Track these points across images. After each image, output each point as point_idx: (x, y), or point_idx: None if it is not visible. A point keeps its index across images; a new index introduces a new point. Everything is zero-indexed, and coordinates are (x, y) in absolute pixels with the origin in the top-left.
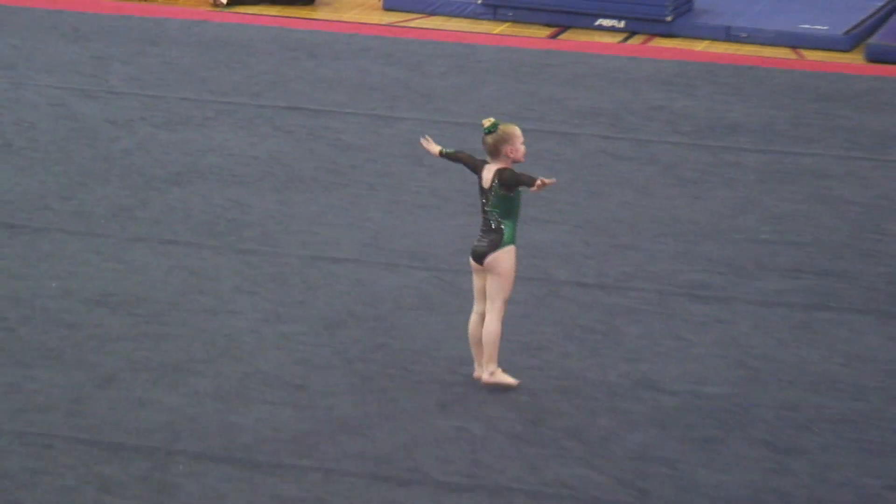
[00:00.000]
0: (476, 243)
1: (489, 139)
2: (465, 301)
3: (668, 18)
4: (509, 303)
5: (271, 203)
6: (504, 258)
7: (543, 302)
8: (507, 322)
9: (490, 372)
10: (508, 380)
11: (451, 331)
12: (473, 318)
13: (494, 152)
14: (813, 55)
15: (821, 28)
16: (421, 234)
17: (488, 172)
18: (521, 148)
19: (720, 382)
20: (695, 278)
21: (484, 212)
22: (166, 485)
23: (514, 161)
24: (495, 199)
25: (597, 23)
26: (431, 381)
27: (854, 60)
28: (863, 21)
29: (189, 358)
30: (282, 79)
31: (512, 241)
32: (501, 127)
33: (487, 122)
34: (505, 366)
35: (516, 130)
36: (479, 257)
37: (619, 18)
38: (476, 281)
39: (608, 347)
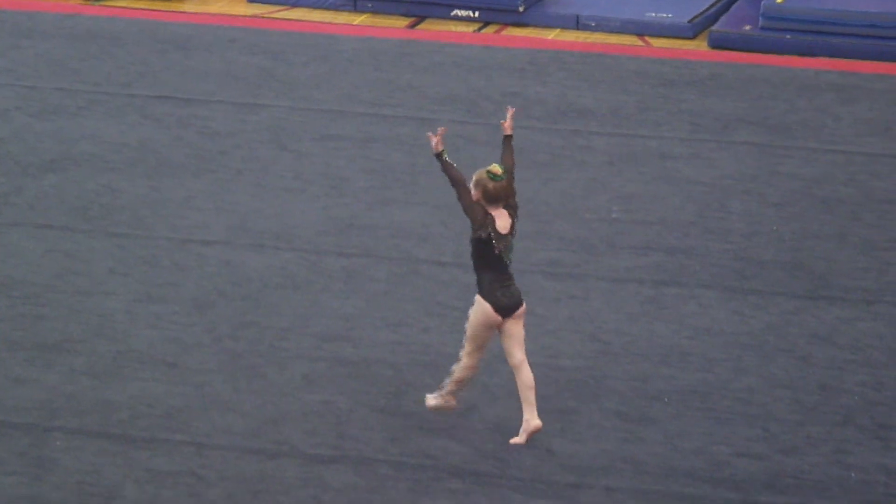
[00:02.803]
0: (507, 298)
1: (504, 184)
2: (328, 280)
3: (521, 9)
4: (371, 281)
5: (142, 188)
6: None
7: (404, 280)
8: (368, 299)
9: (438, 392)
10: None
11: (316, 308)
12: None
13: (504, 197)
14: (658, 42)
15: (666, 16)
16: (286, 216)
17: (504, 220)
18: None
19: (574, 356)
20: (548, 256)
21: (502, 260)
22: (44, 460)
23: None
24: (513, 244)
25: (452, 13)
26: (298, 357)
27: (698, 47)
28: (706, 10)
29: (65, 338)
30: (151, 69)
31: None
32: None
33: (499, 170)
34: (367, 341)
35: None
36: (517, 306)
37: (474, 9)
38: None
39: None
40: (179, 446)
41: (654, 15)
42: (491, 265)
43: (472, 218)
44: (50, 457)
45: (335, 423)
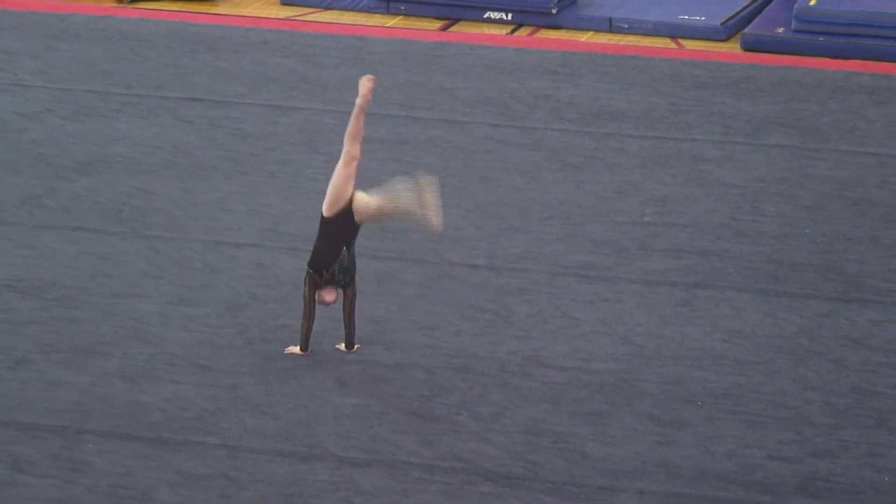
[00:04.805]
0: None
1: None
2: (360, 283)
3: (554, 11)
4: (404, 284)
5: (175, 190)
6: None
7: (436, 283)
8: (401, 302)
9: None
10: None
11: None
12: None
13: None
14: (691, 45)
15: (699, 19)
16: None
17: None
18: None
19: (606, 359)
20: (581, 259)
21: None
22: (77, 462)
23: None
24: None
25: (485, 15)
26: (330, 360)
27: (730, 49)
28: (738, 12)
29: (97, 340)
30: (183, 71)
31: None
32: None
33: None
34: (400, 345)
35: None
36: None
37: (507, 11)
38: None
39: (499, 326)
40: (212, 449)
41: (686, 17)
42: None
43: None
44: (82, 459)
45: (367, 427)
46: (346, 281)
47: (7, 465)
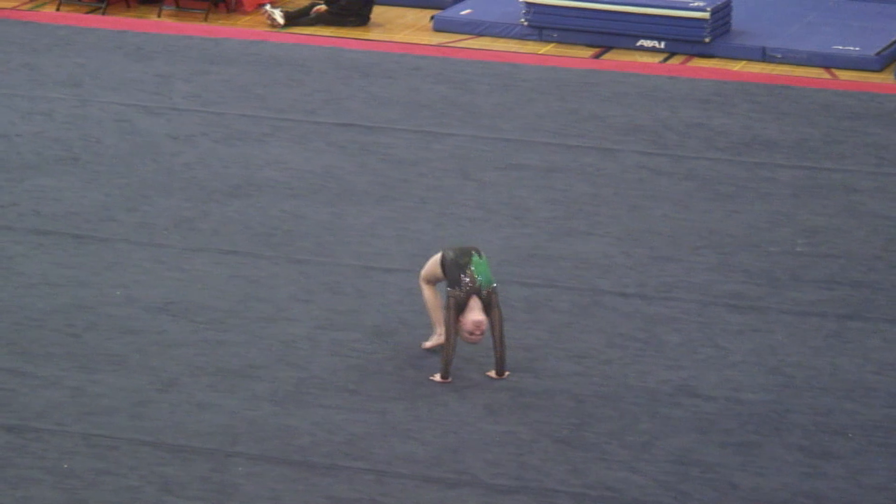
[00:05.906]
0: None
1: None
2: (511, 310)
3: (707, 39)
4: (554, 311)
5: (325, 215)
6: None
7: (586, 311)
8: (551, 330)
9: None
10: None
11: None
12: None
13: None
14: (845, 75)
15: (853, 49)
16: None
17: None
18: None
19: (757, 389)
20: (732, 289)
21: None
22: (225, 485)
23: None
24: None
25: (638, 44)
26: (479, 387)
27: (884, 80)
28: (893, 42)
29: (247, 363)
30: (335, 96)
31: None
32: None
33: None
34: (549, 372)
35: None
36: None
37: (660, 39)
38: None
39: (649, 355)
40: (360, 474)
41: (840, 47)
42: None
43: None
44: (231, 482)
45: (516, 454)
46: (489, 289)
47: (157, 486)
